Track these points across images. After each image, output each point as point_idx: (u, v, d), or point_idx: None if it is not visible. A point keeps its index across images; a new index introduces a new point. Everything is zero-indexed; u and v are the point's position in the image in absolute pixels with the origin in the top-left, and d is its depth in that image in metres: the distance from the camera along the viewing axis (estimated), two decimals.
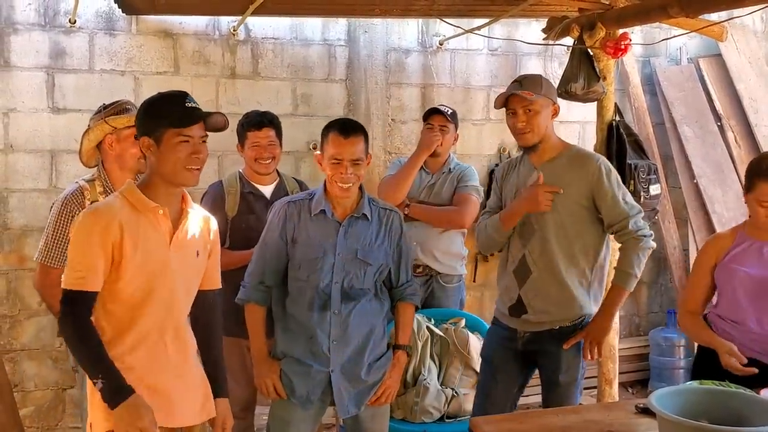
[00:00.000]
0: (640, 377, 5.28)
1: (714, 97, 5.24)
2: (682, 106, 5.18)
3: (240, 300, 2.80)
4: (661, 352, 5.10)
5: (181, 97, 2.23)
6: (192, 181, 2.25)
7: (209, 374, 2.43)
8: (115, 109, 3.03)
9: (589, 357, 2.86)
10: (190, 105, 2.21)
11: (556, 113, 2.94)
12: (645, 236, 2.86)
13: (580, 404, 2.99)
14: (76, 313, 2.14)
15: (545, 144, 2.91)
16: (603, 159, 2.94)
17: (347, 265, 2.68)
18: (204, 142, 2.24)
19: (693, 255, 5.00)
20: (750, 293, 2.68)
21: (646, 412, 2.25)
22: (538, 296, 2.90)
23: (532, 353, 2.98)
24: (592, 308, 2.92)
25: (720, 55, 5.31)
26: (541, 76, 3.06)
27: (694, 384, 2.33)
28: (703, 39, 5.18)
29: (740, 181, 5.05)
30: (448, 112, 3.86)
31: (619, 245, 2.92)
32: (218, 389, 2.43)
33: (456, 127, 3.92)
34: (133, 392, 2.09)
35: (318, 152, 2.76)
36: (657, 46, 5.17)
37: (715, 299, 2.92)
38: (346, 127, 2.66)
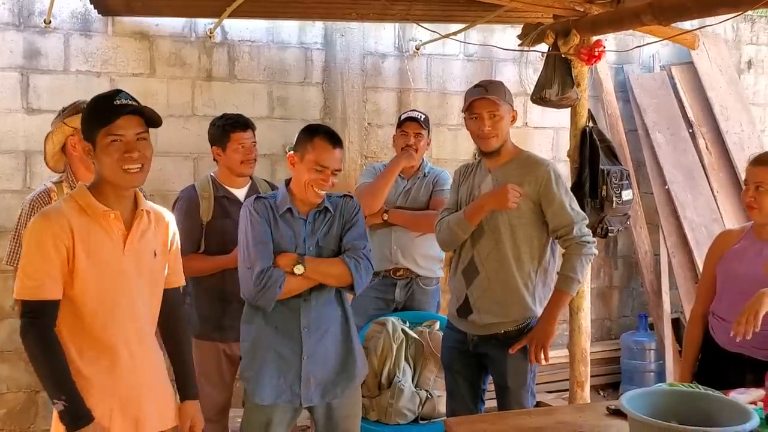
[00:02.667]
0: (612, 380, 5.35)
1: (686, 104, 5.33)
2: (654, 112, 5.26)
3: (279, 281, 2.65)
4: (632, 356, 5.17)
5: (111, 96, 2.13)
6: (132, 183, 2.16)
7: (178, 374, 2.39)
8: (74, 109, 3.04)
9: (535, 361, 2.89)
10: (119, 102, 2.10)
11: (514, 119, 3.02)
12: (588, 243, 2.93)
13: (551, 406, 3.02)
14: (38, 325, 2.03)
15: (506, 147, 2.98)
16: (553, 164, 3.00)
17: (315, 253, 2.73)
18: (141, 139, 2.13)
19: (664, 260, 5.08)
20: (742, 292, 2.66)
21: (617, 413, 2.28)
22: (483, 296, 2.94)
23: (482, 356, 3.02)
24: (537, 311, 2.96)
25: (692, 62, 5.40)
26: (502, 82, 3.11)
27: (664, 386, 2.37)
28: (676, 47, 5.26)
29: (711, 187, 5.16)
30: (422, 119, 3.89)
31: (563, 251, 2.98)
32: (188, 391, 2.39)
33: (429, 132, 3.95)
34: (92, 419, 2.04)
35: (292, 152, 2.77)
36: (630, 54, 5.25)
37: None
38: (335, 137, 2.73)
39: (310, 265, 2.67)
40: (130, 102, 2.12)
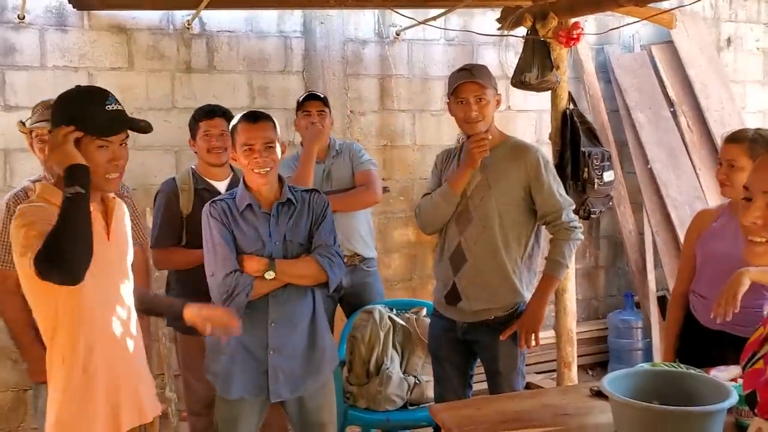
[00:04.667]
0: (600, 360, 5.39)
1: (666, 83, 5.35)
2: (635, 92, 5.27)
3: (247, 287, 2.63)
4: (619, 335, 5.21)
5: (101, 96, 2.06)
6: (113, 188, 2.13)
7: (163, 306, 2.52)
8: (40, 116, 3.09)
9: (525, 346, 2.91)
10: (112, 108, 2.05)
11: (498, 103, 3.00)
12: (576, 228, 2.96)
13: (539, 388, 3.05)
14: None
15: (491, 132, 2.96)
16: (541, 151, 3.01)
17: (284, 249, 2.70)
18: (124, 144, 2.10)
19: (648, 239, 5.11)
20: (721, 270, 2.68)
21: (600, 395, 2.30)
22: (472, 283, 2.95)
23: (471, 343, 3.04)
24: (525, 296, 2.98)
25: (672, 42, 5.41)
26: (486, 66, 3.09)
27: (646, 366, 2.39)
28: (656, 26, 5.26)
29: (693, 166, 5.18)
30: (322, 96, 3.84)
31: (551, 236, 2.99)
32: (180, 305, 2.46)
33: (330, 111, 3.86)
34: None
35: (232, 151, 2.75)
36: (610, 34, 5.24)
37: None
38: (254, 114, 2.71)
39: (281, 267, 2.64)
40: (120, 108, 2.08)
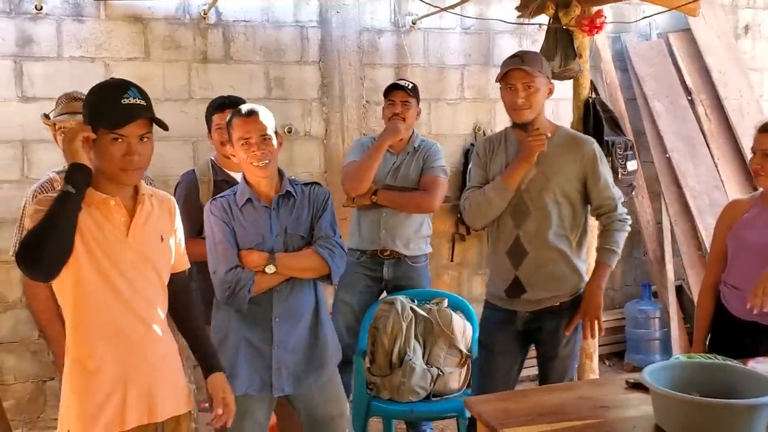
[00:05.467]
0: (616, 350, 5.38)
1: (684, 71, 5.30)
2: (652, 81, 5.23)
3: (249, 282, 2.62)
4: (637, 325, 5.19)
5: (118, 91, 2.05)
6: (130, 181, 2.12)
7: (199, 354, 2.37)
8: (63, 108, 3.13)
9: (590, 336, 2.93)
10: (127, 102, 2.03)
11: (551, 92, 2.95)
12: (627, 220, 2.99)
13: (571, 381, 3.04)
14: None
15: (537, 123, 2.91)
16: (595, 143, 2.99)
17: (285, 243, 2.68)
18: (144, 140, 2.08)
19: (666, 228, 5.08)
20: (754, 260, 2.67)
21: (637, 387, 2.29)
22: (535, 275, 2.94)
23: (531, 332, 3.04)
24: (585, 280, 3.00)
25: (689, 29, 5.37)
26: (539, 53, 3.06)
27: (682, 357, 2.38)
28: (672, 14, 5.22)
29: (711, 155, 5.15)
30: (409, 87, 3.77)
31: (602, 226, 2.99)
32: (212, 364, 2.38)
33: (418, 102, 3.81)
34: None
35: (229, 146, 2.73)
36: (627, 22, 5.20)
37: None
38: (247, 108, 2.68)
39: (282, 261, 2.62)
40: (138, 101, 2.06)
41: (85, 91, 2.95)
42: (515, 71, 2.86)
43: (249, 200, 2.68)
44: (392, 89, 3.78)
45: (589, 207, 3.02)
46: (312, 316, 2.74)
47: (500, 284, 3.03)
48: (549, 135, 2.88)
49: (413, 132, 3.84)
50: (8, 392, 4.22)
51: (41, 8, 4.09)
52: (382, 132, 3.74)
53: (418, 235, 3.85)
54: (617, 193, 2.98)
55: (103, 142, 2.03)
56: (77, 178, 1.99)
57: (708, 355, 2.42)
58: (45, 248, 1.91)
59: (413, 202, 3.72)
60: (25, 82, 4.13)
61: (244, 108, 2.69)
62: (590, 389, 2.38)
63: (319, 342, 2.75)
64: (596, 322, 2.91)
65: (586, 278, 3.01)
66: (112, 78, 2.20)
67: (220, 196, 2.76)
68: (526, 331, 3.04)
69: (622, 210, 2.97)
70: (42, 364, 4.29)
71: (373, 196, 3.68)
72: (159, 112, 2.17)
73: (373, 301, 3.85)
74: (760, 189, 2.87)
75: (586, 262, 3.09)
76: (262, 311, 2.67)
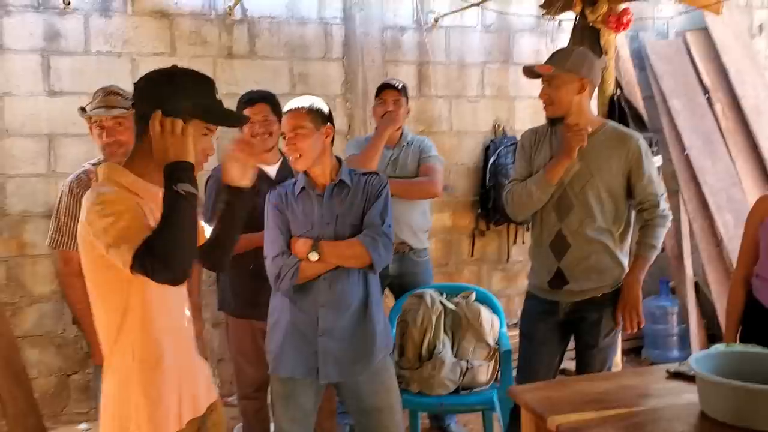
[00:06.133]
0: (634, 345, 5.41)
1: (701, 70, 5.34)
2: (670, 79, 5.27)
3: (292, 269, 2.65)
4: (655, 320, 5.22)
5: (211, 85, 2.00)
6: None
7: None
8: (99, 102, 3.07)
9: (630, 328, 2.98)
10: (220, 98, 2.01)
11: (582, 89, 2.95)
12: (668, 216, 3.02)
13: (613, 372, 3.09)
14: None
15: (576, 118, 2.94)
16: (641, 138, 3.02)
17: (335, 230, 2.70)
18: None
19: (685, 225, 5.12)
20: None
21: (678, 376, 2.32)
22: (578, 267, 2.98)
23: (572, 322, 3.07)
24: (626, 270, 3.04)
25: (706, 28, 5.40)
26: (576, 49, 3.08)
27: (720, 347, 2.40)
28: (690, 13, 5.27)
29: (728, 152, 5.18)
30: (399, 86, 3.85)
31: (644, 221, 3.02)
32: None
33: (407, 100, 3.89)
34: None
35: None
36: (645, 21, 5.25)
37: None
38: (291, 103, 2.74)
39: (326, 248, 2.65)
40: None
41: (120, 85, 2.95)
42: (541, 67, 2.94)
43: (304, 189, 2.74)
44: (383, 89, 3.86)
45: (631, 201, 3.05)
46: (360, 305, 2.74)
47: (544, 276, 3.06)
48: (590, 130, 2.91)
49: (404, 128, 3.93)
50: (32, 386, 4.24)
51: (69, 3, 4.12)
52: (380, 124, 3.78)
53: (423, 225, 3.93)
54: (660, 188, 3.02)
55: (192, 131, 1.92)
56: (193, 177, 1.87)
57: (746, 345, 2.44)
58: (181, 252, 1.81)
59: (418, 188, 3.80)
60: (53, 76, 4.16)
61: (289, 103, 2.74)
62: (631, 378, 2.41)
63: (368, 332, 2.75)
64: (635, 313, 2.96)
65: (627, 270, 3.05)
66: (186, 68, 2.03)
67: (282, 185, 2.84)
68: (568, 322, 3.08)
69: (664, 206, 3.01)
70: (66, 358, 4.32)
71: (387, 183, 3.73)
72: None
73: None
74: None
75: (628, 256, 3.11)
76: (308, 298, 2.70)
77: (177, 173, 1.84)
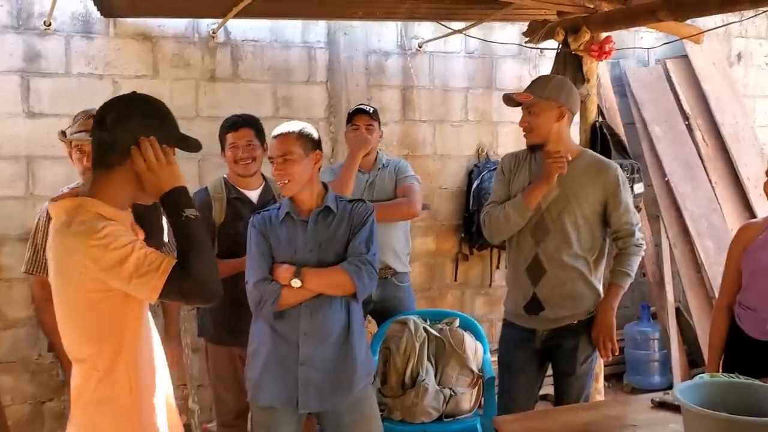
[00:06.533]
0: (615, 371, 5.40)
1: (681, 97, 5.40)
2: (651, 106, 5.32)
3: (273, 296, 2.63)
4: (636, 346, 5.23)
5: (167, 109, 2.04)
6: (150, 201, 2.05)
7: None
8: (79, 126, 3.07)
9: (605, 356, 3.01)
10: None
11: (561, 116, 2.98)
12: (642, 245, 3.08)
13: (587, 399, 3.08)
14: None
15: (555, 145, 2.97)
16: (619, 168, 3.06)
17: (318, 257, 2.67)
18: None
19: (666, 250, 5.15)
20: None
21: (663, 406, 2.31)
22: (554, 293, 3.00)
23: (549, 350, 3.08)
24: (601, 297, 3.07)
25: (686, 56, 5.47)
26: (555, 77, 3.14)
27: (705, 377, 2.40)
28: (669, 41, 5.33)
29: (709, 179, 5.24)
30: (371, 111, 3.86)
31: (620, 249, 3.06)
32: None
33: (379, 125, 3.90)
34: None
35: None
36: (625, 48, 5.30)
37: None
38: (280, 128, 2.73)
39: (309, 276, 2.61)
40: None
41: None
42: (520, 95, 2.99)
43: (288, 214, 2.71)
44: (355, 114, 3.85)
45: (607, 230, 3.07)
46: (342, 334, 2.71)
47: (519, 301, 3.07)
48: (570, 158, 2.94)
49: (378, 152, 3.93)
50: (6, 413, 4.15)
51: (50, 24, 4.09)
52: (351, 146, 3.77)
53: (405, 247, 3.92)
54: (636, 218, 3.06)
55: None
56: (191, 200, 1.94)
57: (730, 374, 2.44)
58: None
59: (397, 209, 3.78)
60: (32, 97, 4.11)
61: (279, 128, 2.73)
62: (615, 408, 2.42)
63: (349, 361, 2.71)
64: (608, 340, 2.98)
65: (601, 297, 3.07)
66: (143, 94, 2.05)
67: (265, 210, 2.82)
68: (544, 350, 3.09)
69: (639, 235, 3.05)
70: (40, 385, 4.23)
71: (373, 211, 3.70)
72: None
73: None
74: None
75: (602, 283, 3.14)
76: (289, 326, 2.67)
77: (181, 201, 1.89)
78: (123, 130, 1.90)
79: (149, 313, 2.03)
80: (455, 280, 5.08)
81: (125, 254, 1.80)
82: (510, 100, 3.02)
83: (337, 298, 2.70)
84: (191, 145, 2.04)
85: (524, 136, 3.02)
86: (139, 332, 1.96)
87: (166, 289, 1.80)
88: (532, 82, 3.06)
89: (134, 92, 2.02)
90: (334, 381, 2.69)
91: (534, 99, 2.95)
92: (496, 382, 3.36)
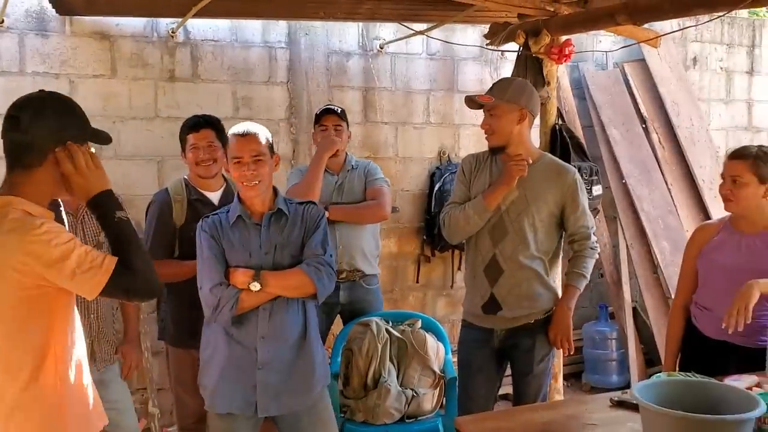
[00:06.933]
0: (574, 370, 5.47)
1: (639, 100, 5.49)
2: (609, 109, 5.40)
3: (232, 300, 2.59)
4: (595, 345, 5.30)
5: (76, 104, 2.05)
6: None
7: None
8: None
9: (564, 352, 3.08)
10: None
11: (522, 118, 3.01)
12: (596, 248, 3.14)
13: (545, 397, 3.12)
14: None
15: (516, 148, 3.00)
16: (577, 173, 3.11)
17: (274, 261, 2.66)
18: None
19: (623, 251, 5.23)
20: (724, 282, 2.80)
21: (621, 405, 2.35)
22: (511, 293, 3.04)
23: (507, 349, 3.12)
24: (557, 296, 3.13)
25: (643, 60, 5.57)
26: (515, 80, 3.17)
27: (662, 376, 2.44)
28: (627, 44, 5.41)
29: (665, 181, 5.33)
30: (339, 111, 3.85)
31: (575, 251, 3.12)
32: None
33: (348, 125, 3.89)
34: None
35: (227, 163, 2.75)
36: (584, 52, 5.37)
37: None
38: (244, 128, 2.69)
39: (267, 279, 2.60)
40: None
41: None
42: (482, 97, 3.03)
43: (240, 217, 2.68)
44: (324, 114, 3.84)
45: (563, 232, 3.13)
46: (300, 336, 2.71)
47: (477, 301, 3.10)
48: (530, 161, 2.98)
49: (347, 154, 3.92)
50: None
51: (2, 21, 3.99)
52: (318, 148, 3.75)
53: (374, 249, 3.92)
54: (591, 222, 3.13)
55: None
56: (119, 203, 1.99)
57: (686, 373, 2.49)
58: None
59: (367, 212, 3.78)
60: None
61: (240, 128, 2.69)
62: (575, 407, 2.44)
63: (306, 363, 2.72)
64: (565, 340, 3.04)
65: (560, 296, 3.13)
66: (52, 92, 2.03)
67: (213, 214, 2.76)
68: (502, 349, 3.12)
69: (593, 238, 3.12)
70: None
71: (324, 212, 3.69)
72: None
73: (328, 329, 3.85)
74: (728, 214, 2.99)
75: (557, 284, 3.20)
76: (247, 330, 2.65)
77: (111, 203, 1.95)
78: (40, 130, 1.90)
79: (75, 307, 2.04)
80: (417, 281, 5.09)
81: (67, 250, 1.82)
82: (472, 102, 3.04)
83: (294, 301, 2.69)
84: (102, 138, 2.07)
85: (486, 138, 3.05)
86: (67, 327, 1.98)
87: (109, 286, 1.85)
88: (494, 84, 3.09)
89: (42, 90, 2.02)
90: (292, 384, 2.68)
91: (495, 101, 2.98)
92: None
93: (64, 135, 1.91)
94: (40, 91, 2.01)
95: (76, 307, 2.02)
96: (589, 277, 3.13)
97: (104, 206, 1.94)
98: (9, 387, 1.89)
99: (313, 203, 2.84)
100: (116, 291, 1.89)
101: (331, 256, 2.72)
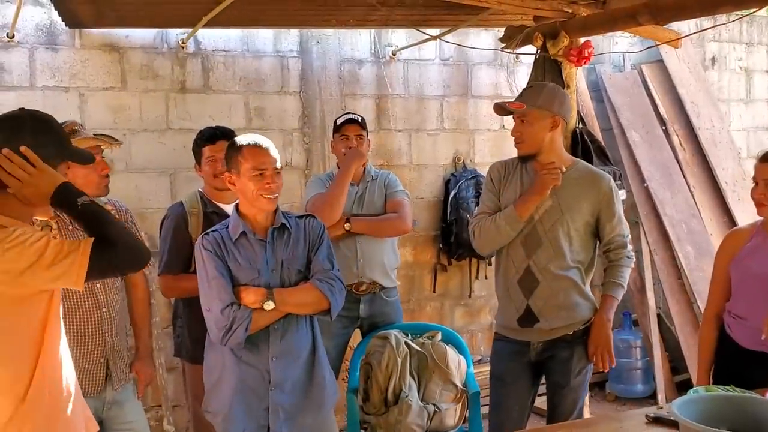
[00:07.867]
0: (598, 379, 5.34)
1: (658, 102, 5.39)
2: (628, 111, 5.30)
3: (246, 321, 2.51)
4: (619, 354, 5.08)
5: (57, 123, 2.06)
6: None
7: None
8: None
9: (603, 368, 2.94)
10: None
11: (555, 125, 2.91)
12: (632, 257, 3.04)
13: (581, 411, 3.01)
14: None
15: (548, 156, 2.90)
16: (612, 180, 3.01)
17: (281, 277, 2.59)
18: None
19: (646, 257, 5.11)
20: (759, 289, 2.70)
21: (658, 421, 2.25)
22: (547, 305, 2.93)
23: (543, 361, 3.02)
24: (595, 306, 3.03)
25: (662, 61, 5.46)
26: (547, 85, 3.06)
27: (701, 391, 2.34)
28: (645, 45, 5.31)
29: (687, 183, 5.22)
30: (360, 119, 3.79)
31: (611, 260, 3.01)
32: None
33: (367, 133, 3.83)
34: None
35: (227, 173, 2.64)
36: (601, 54, 5.27)
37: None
38: (257, 139, 2.61)
39: (281, 297, 2.53)
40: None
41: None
42: (513, 104, 2.93)
43: (243, 234, 2.59)
44: (345, 123, 3.76)
45: (597, 241, 3.02)
46: (309, 354, 2.65)
47: (512, 314, 2.99)
48: (564, 169, 2.87)
49: (367, 164, 3.84)
50: None
51: (13, 36, 3.94)
52: (345, 160, 3.68)
53: (394, 263, 3.84)
54: (626, 230, 3.02)
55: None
56: (78, 190, 1.95)
57: (726, 387, 2.38)
58: (131, 236, 1.92)
59: (389, 225, 3.70)
60: None
61: (254, 139, 2.61)
62: (608, 425, 2.35)
63: (317, 381, 2.66)
64: (606, 352, 2.92)
65: (597, 306, 3.02)
66: (35, 110, 2.05)
67: (212, 231, 2.67)
68: (538, 362, 3.02)
69: (629, 247, 3.01)
70: None
71: (346, 224, 3.62)
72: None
73: (346, 343, 3.78)
74: (761, 218, 2.87)
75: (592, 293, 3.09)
76: (258, 350, 2.58)
77: (71, 193, 1.90)
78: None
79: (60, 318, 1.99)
80: (434, 291, 5.00)
81: (42, 246, 1.79)
82: (501, 109, 2.93)
83: (303, 318, 2.63)
84: (83, 157, 2.07)
85: (516, 146, 2.94)
86: (56, 342, 1.94)
87: (93, 266, 1.81)
88: (524, 90, 2.99)
89: (22, 108, 2.02)
90: (304, 402, 2.63)
91: (527, 108, 2.88)
92: (484, 396, 3.28)
93: (39, 154, 1.88)
94: (19, 109, 2.00)
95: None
96: (626, 286, 3.03)
97: (66, 200, 1.90)
98: (13, 391, 1.86)
99: (312, 216, 2.77)
100: (103, 269, 1.86)
101: (338, 270, 2.67)
